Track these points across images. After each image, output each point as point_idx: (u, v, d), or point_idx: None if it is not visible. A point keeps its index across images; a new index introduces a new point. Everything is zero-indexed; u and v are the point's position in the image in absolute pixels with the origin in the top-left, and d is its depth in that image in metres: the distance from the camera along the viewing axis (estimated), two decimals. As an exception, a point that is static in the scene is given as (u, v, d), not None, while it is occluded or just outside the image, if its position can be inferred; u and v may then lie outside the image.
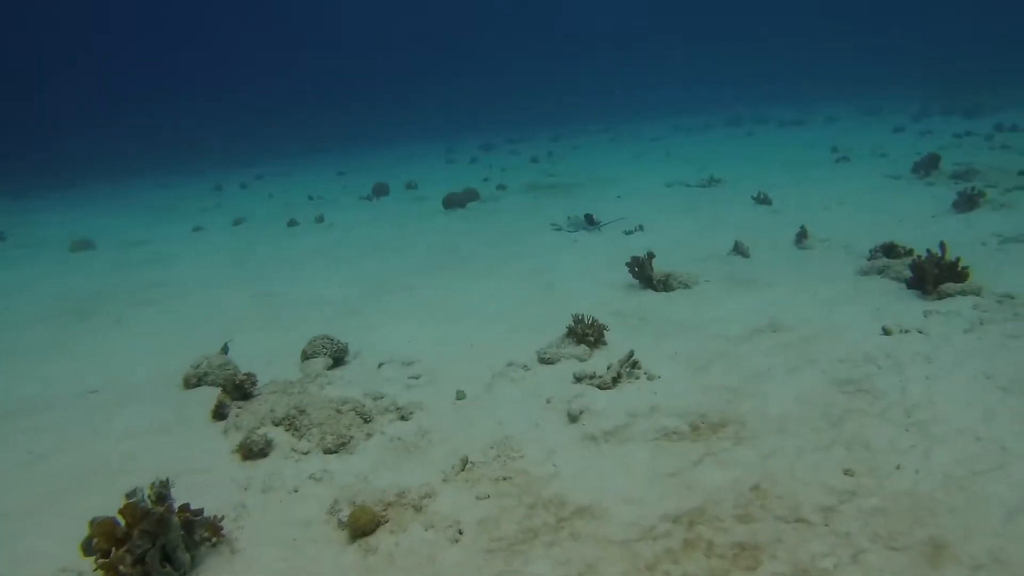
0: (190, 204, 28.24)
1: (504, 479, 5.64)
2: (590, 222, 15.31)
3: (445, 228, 17.13)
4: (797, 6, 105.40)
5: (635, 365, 7.26)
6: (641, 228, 14.32)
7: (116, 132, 73.15)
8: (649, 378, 7.13)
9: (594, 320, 8.17)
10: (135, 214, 26.78)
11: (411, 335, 9.38)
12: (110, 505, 4.98)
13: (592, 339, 8.03)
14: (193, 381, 8.18)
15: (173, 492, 5.35)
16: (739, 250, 11.50)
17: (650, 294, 10.06)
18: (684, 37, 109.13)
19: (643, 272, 10.19)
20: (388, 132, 64.46)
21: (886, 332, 7.53)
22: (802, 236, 11.77)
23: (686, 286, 10.06)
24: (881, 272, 9.60)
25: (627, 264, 10.39)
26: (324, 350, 8.48)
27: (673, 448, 5.83)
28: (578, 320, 8.15)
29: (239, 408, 7.20)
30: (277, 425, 6.80)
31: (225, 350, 8.90)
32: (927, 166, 16.80)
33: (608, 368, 7.15)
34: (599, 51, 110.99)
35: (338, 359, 8.55)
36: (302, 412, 6.79)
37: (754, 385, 6.73)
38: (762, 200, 15.69)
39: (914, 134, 26.66)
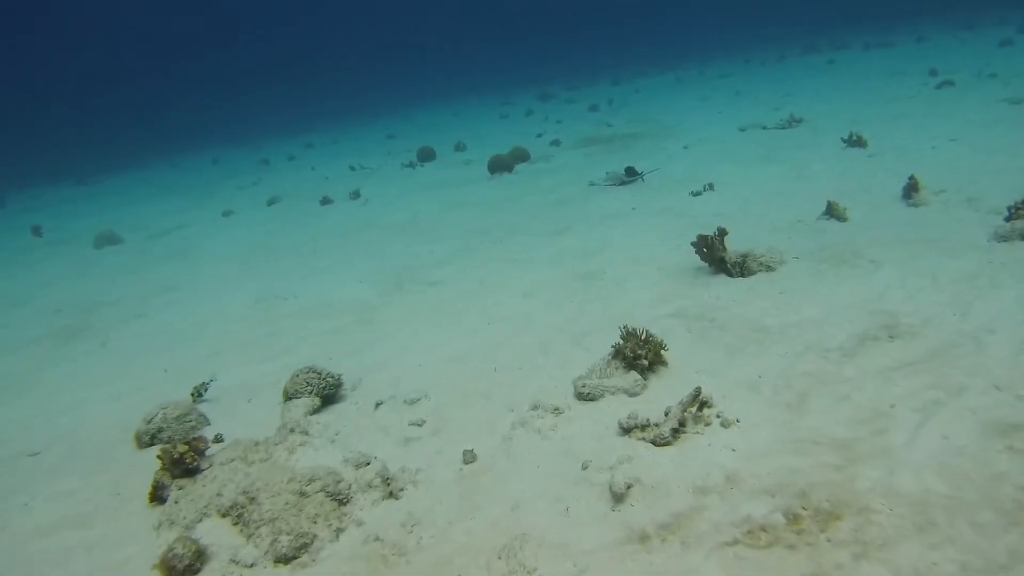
0: (231, 182, 27.02)
1: (511, 622, 3.80)
2: (630, 174, 13.89)
3: (486, 199, 15.17)
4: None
5: (703, 405, 5.29)
6: (711, 187, 12.12)
7: (182, 110, 73.23)
8: (723, 424, 5.16)
9: (648, 334, 6.18)
10: (175, 196, 25.82)
11: (424, 354, 7.59)
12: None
13: (646, 361, 6.05)
14: (145, 439, 6.57)
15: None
16: (833, 213, 9.30)
17: (722, 281, 8.00)
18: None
19: (713, 254, 8.13)
20: (446, 86, 62.55)
21: (1058, 339, 5.36)
22: (911, 189, 9.48)
23: (768, 268, 7.96)
24: (1027, 237, 7.35)
25: (693, 244, 8.33)
26: (309, 388, 6.75)
27: (762, 561, 3.88)
28: (628, 335, 6.19)
29: (180, 489, 5.47)
30: (224, 516, 5.08)
31: (199, 393, 7.29)
32: (1055, 85, 14.09)
33: (666, 414, 5.20)
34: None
35: (328, 397, 6.83)
36: (253, 500, 5.03)
37: (874, 437, 4.69)
38: (854, 142, 13.28)
39: (1025, 47, 23.43)
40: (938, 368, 5.31)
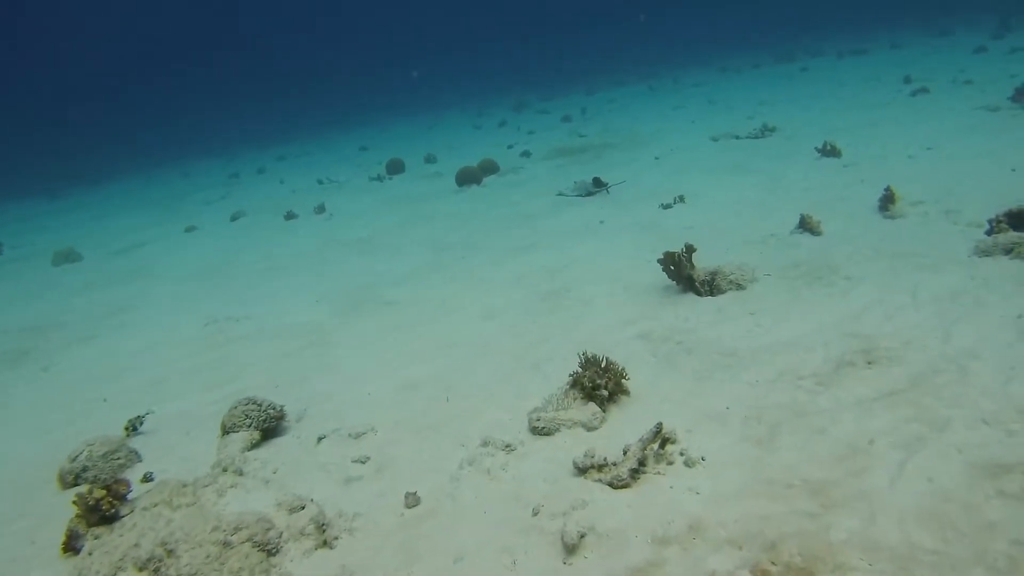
0: (199, 196, 26.39)
1: None
2: (597, 185, 13.75)
3: (453, 213, 14.70)
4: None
5: (666, 441, 4.85)
6: (682, 199, 11.71)
7: (166, 125, 72.52)
8: (687, 463, 4.71)
9: (608, 362, 5.75)
10: (143, 211, 25.19)
11: (375, 382, 7.13)
12: None
13: (606, 392, 5.61)
14: (69, 479, 6.08)
15: None
16: (806, 226, 8.91)
17: (690, 300, 7.58)
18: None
19: (680, 272, 7.71)
20: (423, 97, 62.02)
21: (1048, 365, 4.96)
22: (888, 200, 9.11)
23: (739, 286, 7.54)
24: (1010, 252, 6.95)
25: (660, 261, 7.90)
26: (248, 421, 6.28)
27: (726, 629, 3.43)
28: (588, 362, 5.75)
29: (96, 539, 4.96)
30: (140, 570, 4.59)
31: (133, 427, 6.80)
32: (1033, 91, 13.78)
33: (625, 453, 4.75)
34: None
35: (269, 430, 6.36)
36: (171, 552, 4.54)
37: (851, 479, 4.26)
38: (828, 152, 12.93)
39: (1000, 53, 23.08)
40: (920, 398, 4.89)
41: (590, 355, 5.79)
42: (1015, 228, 7.20)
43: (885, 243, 8.11)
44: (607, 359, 5.77)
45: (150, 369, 8.76)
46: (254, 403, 6.34)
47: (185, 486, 5.43)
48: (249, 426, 6.25)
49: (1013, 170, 9.89)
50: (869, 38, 37.78)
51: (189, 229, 18.75)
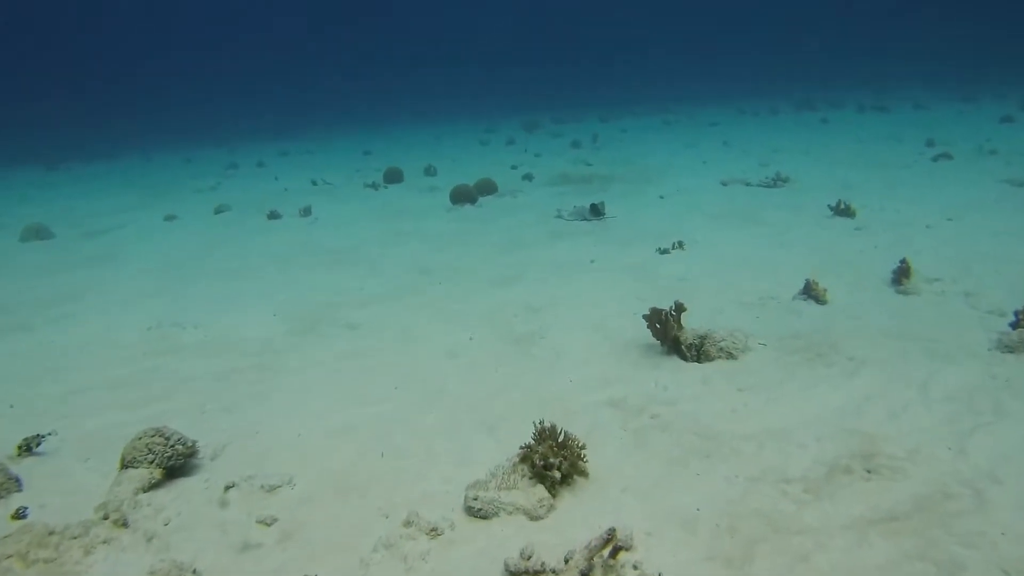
0: (192, 184, 25.65)
1: None
2: (595, 213, 13.56)
3: (441, 232, 13.88)
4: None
5: (619, 549, 4.02)
6: (680, 245, 10.92)
7: (178, 108, 72.11)
8: (641, 582, 3.89)
9: (567, 436, 4.94)
10: (131, 192, 24.62)
11: (309, 421, 6.30)
12: None
13: (559, 473, 4.78)
14: (-65, 505, 5.22)
15: None
16: (811, 292, 8.11)
17: (674, 365, 6.77)
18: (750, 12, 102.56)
19: (666, 332, 6.90)
20: (436, 106, 61.50)
21: (1083, 505, 4.13)
22: (902, 274, 8.32)
23: (729, 355, 6.73)
24: (1036, 352, 6.15)
25: (645, 317, 7.09)
26: (151, 456, 5.44)
27: None
28: (542, 434, 4.94)
29: (-71, 594, 4.14)
30: (-39, 646, 3.74)
31: (28, 447, 6.00)
32: (1063, 169, 13.04)
33: (567, 561, 3.93)
34: (661, 26, 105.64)
35: (175, 468, 5.52)
36: (2, 629, 3.71)
37: (838, 633, 3.43)
38: (842, 211, 12.14)
39: (1029, 125, 22.44)
40: (927, 529, 4.07)
41: (547, 426, 4.99)
42: (1045, 324, 6.40)
43: (896, 322, 7.31)
44: (565, 433, 4.96)
45: (74, 374, 7.91)
46: (161, 435, 5.51)
47: (51, 534, 4.59)
48: (151, 463, 5.42)
49: (1041, 253, 9.12)
50: (892, 95, 37.19)
51: (169, 218, 17.96)
